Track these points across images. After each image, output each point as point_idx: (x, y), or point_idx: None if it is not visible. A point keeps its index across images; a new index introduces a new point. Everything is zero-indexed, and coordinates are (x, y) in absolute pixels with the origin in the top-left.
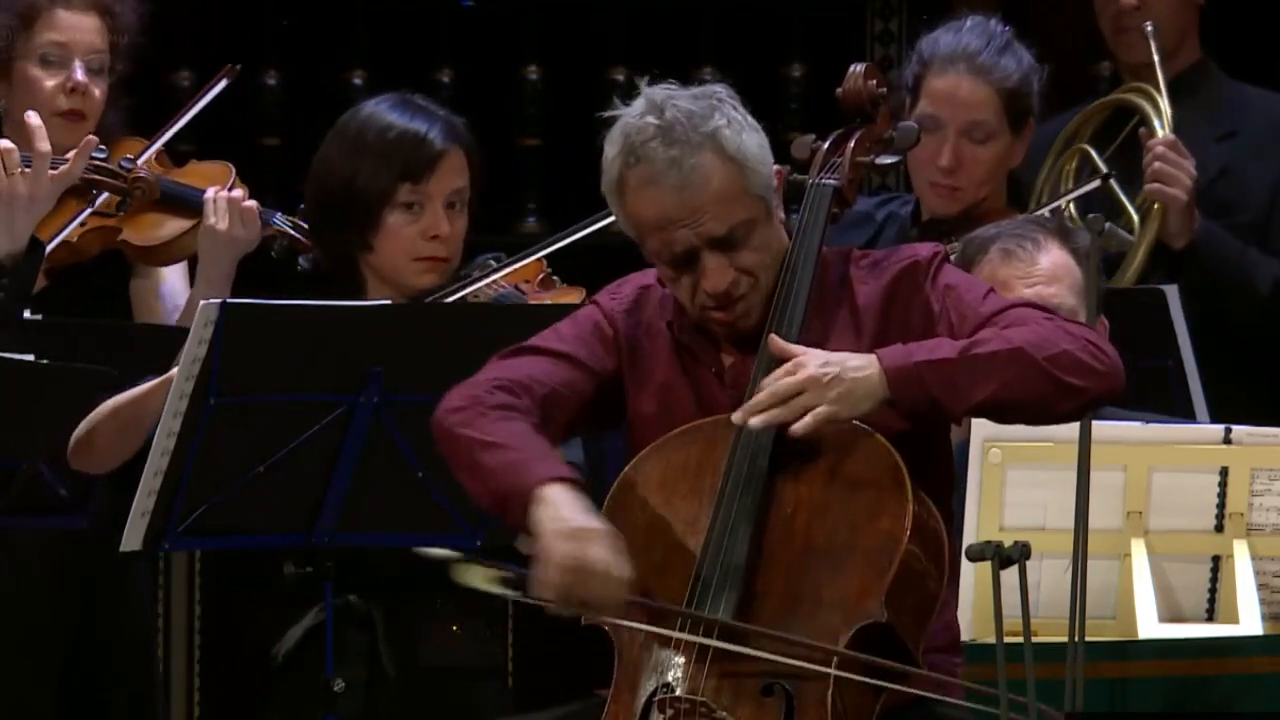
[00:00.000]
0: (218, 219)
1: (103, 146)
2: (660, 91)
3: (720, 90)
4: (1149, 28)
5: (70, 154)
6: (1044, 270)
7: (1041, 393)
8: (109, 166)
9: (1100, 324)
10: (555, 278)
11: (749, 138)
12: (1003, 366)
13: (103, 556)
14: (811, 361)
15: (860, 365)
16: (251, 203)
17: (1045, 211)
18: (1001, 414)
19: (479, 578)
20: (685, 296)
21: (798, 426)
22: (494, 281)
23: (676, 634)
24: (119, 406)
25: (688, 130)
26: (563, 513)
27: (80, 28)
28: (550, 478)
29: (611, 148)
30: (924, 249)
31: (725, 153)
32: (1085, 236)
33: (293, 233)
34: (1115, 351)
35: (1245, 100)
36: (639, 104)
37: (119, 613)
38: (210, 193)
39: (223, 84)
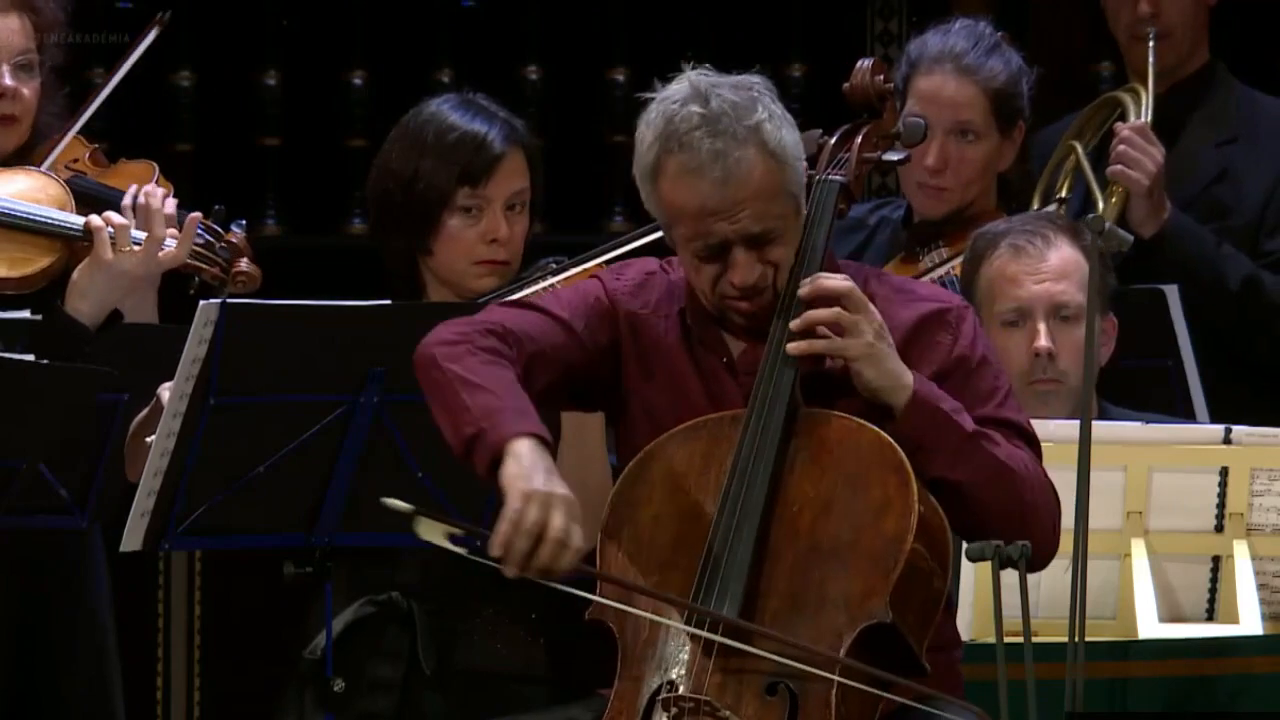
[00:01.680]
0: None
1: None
2: (704, 79)
3: (759, 82)
4: (1151, 32)
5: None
6: (1053, 266)
7: (996, 514)
8: (213, 256)
9: (1109, 323)
10: None
11: (788, 134)
12: (991, 471)
13: (52, 553)
14: (873, 310)
15: (902, 368)
16: (171, 201)
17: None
18: (950, 501)
19: (437, 534)
20: (706, 285)
21: (816, 345)
22: (548, 287)
23: (681, 625)
24: (146, 419)
25: (733, 122)
26: (530, 473)
27: (2, 30)
28: (525, 432)
29: (649, 131)
30: (955, 298)
31: (767, 148)
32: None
33: (205, 235)
34: (1058, 541)
35: (1254, 106)
36: (681, 88)
37: (74, 611)
38: (128, 198)
39: (154, 33)
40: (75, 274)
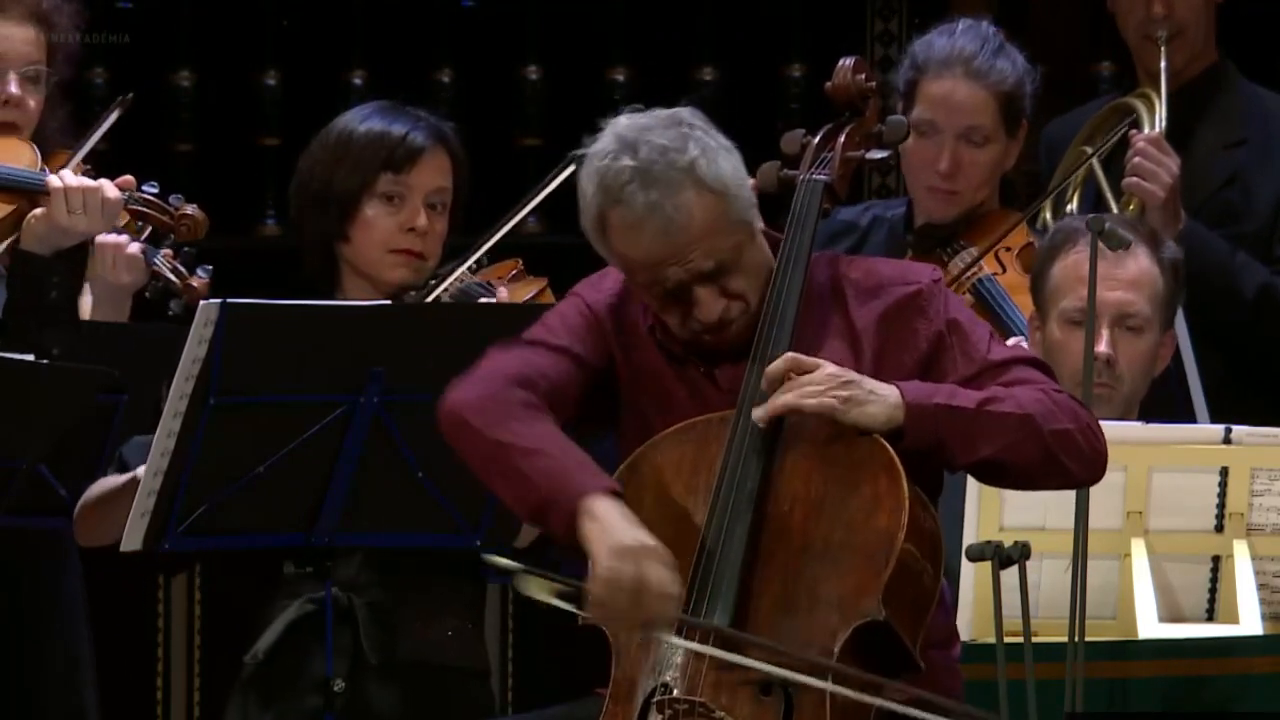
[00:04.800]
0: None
1: (154, 183)
2: (628, 126)
3: (686, 114)
4: (1161, 35)
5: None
6: (1129, 275)
7: (1035, 464)
8: (158, 202)
9: (1170, 337)
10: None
11: (724, 163)
12: (1012, 430)
13: (25, 554)
14: (831, 365)
15: (881, 387)
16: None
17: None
18: (993, 474)
19: (541, 590)
20: (675, 323)
21: (790, 399)
22: (460, 275)
23: (675, 640)
24: (100, 496)
25: (665, 168)
26: (615, 529)
27: (14, 39)
28: (597, 489)
29: (588, 186)
30: (923, 273)
31: (705, 185)
32: (1174, 248)
33: (170, 276)
34: (1105, 441)
35: (1261, 106)
36: (608, 141)
37: (49, 612)
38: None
39: (115, 114)
40: (29, 219)
